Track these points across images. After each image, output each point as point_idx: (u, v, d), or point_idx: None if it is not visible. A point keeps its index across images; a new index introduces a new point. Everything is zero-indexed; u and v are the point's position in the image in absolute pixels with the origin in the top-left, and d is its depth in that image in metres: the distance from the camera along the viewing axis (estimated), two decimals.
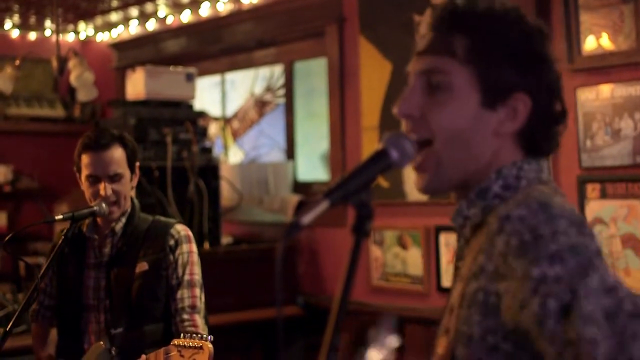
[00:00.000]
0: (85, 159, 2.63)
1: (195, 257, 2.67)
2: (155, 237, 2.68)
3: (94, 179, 2.62)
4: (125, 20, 5.70)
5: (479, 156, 1.27)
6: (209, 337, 2.25)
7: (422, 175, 1.28)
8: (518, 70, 1.25)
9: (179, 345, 2.26)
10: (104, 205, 2.59)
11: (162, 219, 2.78)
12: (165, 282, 2.64)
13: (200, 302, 2.63)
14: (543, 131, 1.29)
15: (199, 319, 2.60)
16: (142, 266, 2.63)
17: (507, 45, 1.25)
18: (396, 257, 4.13)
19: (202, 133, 4.60)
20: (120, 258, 2.66)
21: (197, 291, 2.63)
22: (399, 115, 1.28)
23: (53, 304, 2.79)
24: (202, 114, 4.72)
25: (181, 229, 2.70)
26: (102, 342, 2.53)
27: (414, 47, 1.32)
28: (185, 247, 2.67)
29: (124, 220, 2.70)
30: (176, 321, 2.59)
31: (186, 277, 2.63)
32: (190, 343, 2.24)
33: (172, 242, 2.66)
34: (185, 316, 2.59)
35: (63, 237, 2.59)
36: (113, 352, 2.52)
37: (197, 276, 2.65)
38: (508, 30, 1.26)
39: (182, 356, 2.24)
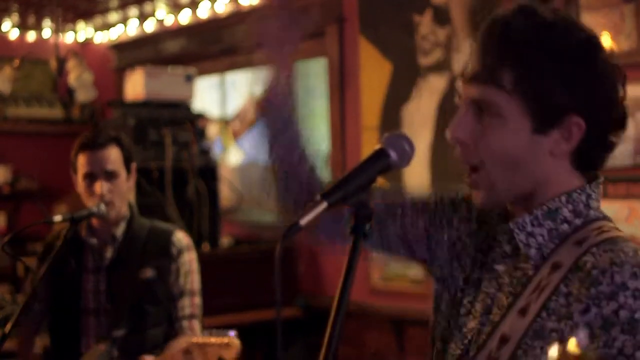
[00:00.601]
0: (81, 158, 2.63)
1: (195, 265, 2.74)
2: (157, 243, 2.71)
3: (91, 178, 2.61)
4: (125, 21, 5.70)
5: (535, 174, 1.24)
6: (232, 332, 2.12)
7: (477, 192, 1.27)
8: (569, 92, 1.21)
9: (201, 344, 2.11)
10: (102, 206, 2.59)
11: (162, 224, 2.82)
12: (166, 287, 2.68)
13: (199, 309, 2.72)
14: (600, 145, 1.26)
15: (197, 324, 2.70)
16: (147, 272, 2.65)
17: (556, 70, 1.21)
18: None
19: (202, 134, 4.60)
20: (122, 263, 2.68)
21: (197, 299, 2.72)
22: (451, 140, 1.26)
23: (43, 308, 2.76)
24: (201, 115, 4.71)
25: (182, 237, 2.75)
26: (102, 345, 2.52)
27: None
28: (187, 256, 2.72)
29: (123, 225, 2.71)
30: (175, 327, 2.68)
31: (188, 287, 2.71)
32: (214, 340, 2.09)
33: (174, 251, 2.71)
34: (185, 322, 2.68)
35: (63, 239, 2.58)
36: (114, 354, 2.52)
37: (197, 284, 2.74)
38: (557, 51, 1.21)
39: (205, 353, 2.10)
